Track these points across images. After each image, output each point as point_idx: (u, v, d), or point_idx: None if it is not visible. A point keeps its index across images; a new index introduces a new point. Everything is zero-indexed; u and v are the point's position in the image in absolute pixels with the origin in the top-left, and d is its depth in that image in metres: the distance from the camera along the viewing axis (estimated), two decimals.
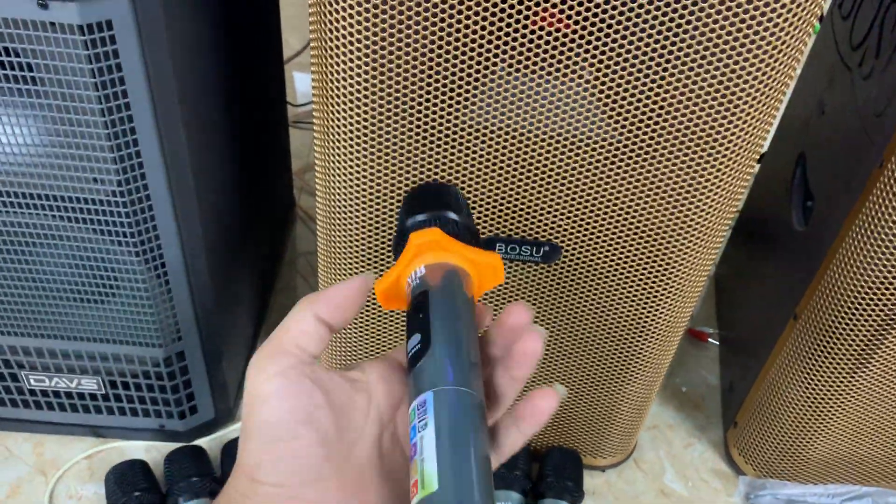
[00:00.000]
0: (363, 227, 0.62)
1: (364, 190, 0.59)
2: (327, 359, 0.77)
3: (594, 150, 0.56)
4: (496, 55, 0.51)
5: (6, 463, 0.80)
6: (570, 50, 0.51)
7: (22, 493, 0.77)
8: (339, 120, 0.55)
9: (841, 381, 0.72)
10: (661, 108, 0.53)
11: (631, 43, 0.50)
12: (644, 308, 0.67)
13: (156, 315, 0.69)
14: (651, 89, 0.52)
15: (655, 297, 0.66)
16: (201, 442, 0.83)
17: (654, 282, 0.65)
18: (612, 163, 0.57)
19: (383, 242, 0.63)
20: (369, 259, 0.64)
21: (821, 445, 0.79)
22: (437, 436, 0.33)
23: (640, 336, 0.69)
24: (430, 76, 0.52)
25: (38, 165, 0.59)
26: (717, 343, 1.02)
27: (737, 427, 0.87)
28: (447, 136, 0.56)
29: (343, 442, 0.36)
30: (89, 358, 0.74)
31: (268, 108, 0.93)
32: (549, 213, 0.61)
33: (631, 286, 0.65)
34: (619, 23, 0.49)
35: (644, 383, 0.75)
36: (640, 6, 0.48)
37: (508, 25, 0.50)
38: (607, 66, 0.51)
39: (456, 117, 0.55)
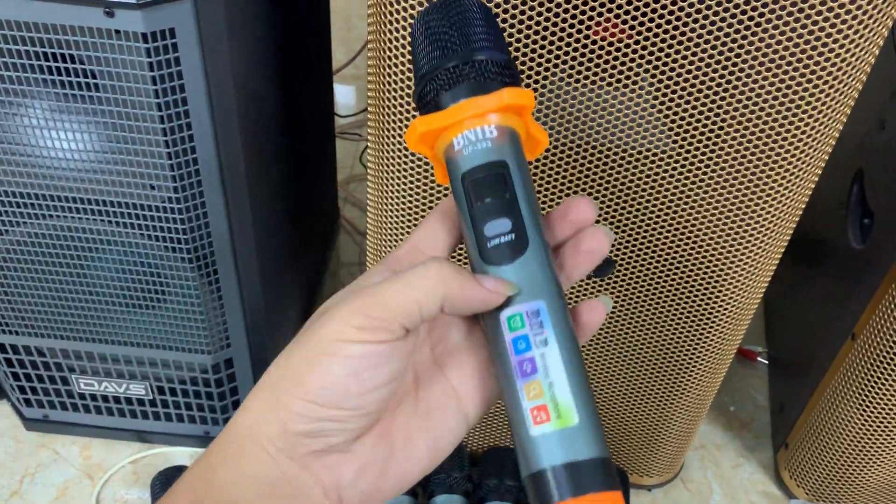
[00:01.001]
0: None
1: (417, 200, 0.59)
2: None
3: (652, 162, 0.55)
4: (554, 64, 0.51)
5: (54, 465, 0.80)
6: (630, 59, 0.50)
7: (69, 495, 0.78)
8: (394, 128, 0.55)
9: None
10: (723, 120, 0.52)
11: (693, 52, 0.49)
12: (697, 326, 0.66)
13: (206, 322, 0.70)
14: (713, 101, 0.51)
15: (710, 314, 0.65)
16: None
17: (709, 299, 0.63)
18: (671, 175, 0.56)
19: None
20: None
21: (878, 471, 0.76)
22: (567, 359, 0.30)
23: (691, 354, 0.68)
24: None
25: (96, 171, 0.60)
26: (766, 362, 0.99)
27: (788, 449, 0.84)
28: None
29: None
30: (138, 363, 0.74)
31: (317, 119, 0.93)
32: (603, 226, 0.60)
33: (685, 303, 0.64)
34: (680, 31, 0.49)
35: (694, 402, 0.74)
36: (703, 14, 0.48)
37: (567, 34, 0.49)
38: (668, 76, 0.51)
39: None
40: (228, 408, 0.79)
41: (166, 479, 0.74)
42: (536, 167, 0.56)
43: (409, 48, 0.50)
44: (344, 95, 1.44)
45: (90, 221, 0.63)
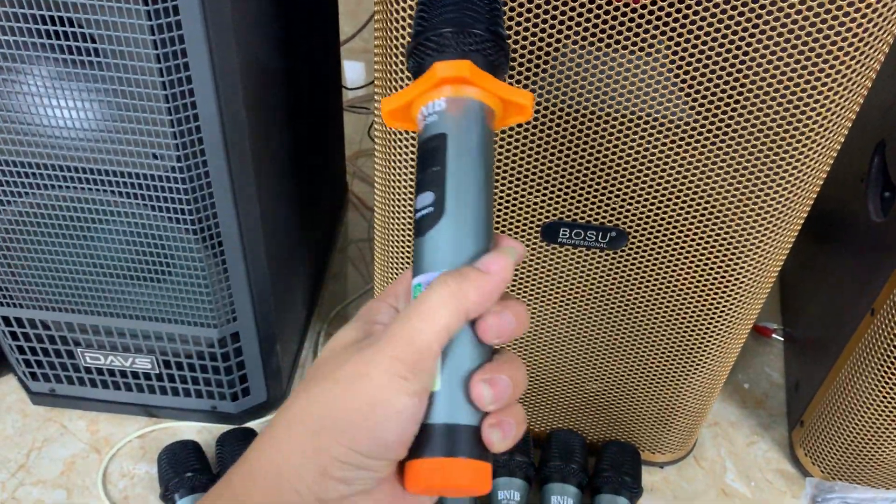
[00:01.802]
0: None
1: None
2: None
3: (668, 131, 0.54)
4: (568, 27, 0.49)
5: (61, 439, 0.80)
6: (648, 23, 0.48)
7: (76, 469, 0.77)
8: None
9: None
10: (743, 85, 0.50)
11: (713, 16, 0.47)
12: (713, 301, 0.64)
13: (211, 295, 0.69)
14: (732, 65, 0.49)
15: (725, 289, 0.63)
16: (253, 425, 0.82)
17: (725, 274, 0.62)
18: (688, 144, 0.54)
19: None
20: None
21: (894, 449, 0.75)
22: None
23: (706, 330, 0.67)
24: None
25: (98, 140, 0.59)
26: (782, 339, 0.98)
27: (803, 426, 0.83)
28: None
29: None
30: (144, 337, 0.73)
31: (324, 91, 0.92)
32: (617, 197, 0.58)
33: (700, 278, 0.62)
34: None
35: (708, 379, 0.72)
36: None
37: None
38: (686, 41, 0.49)
39: None
40: (235, 382, 0.78)
41: (172, 453, 0.74)
42: (550, 136, 0.55)
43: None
44: (354, 71, 1.42)
45: (93, 192, 0.62)
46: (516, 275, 0.65)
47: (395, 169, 0.59)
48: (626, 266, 0.63)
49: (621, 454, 0.77)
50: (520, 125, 0.55)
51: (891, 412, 0.72)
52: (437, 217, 0.31)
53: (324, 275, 1.00)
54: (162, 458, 0.74)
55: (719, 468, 0.83)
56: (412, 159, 0.57)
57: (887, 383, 0.70)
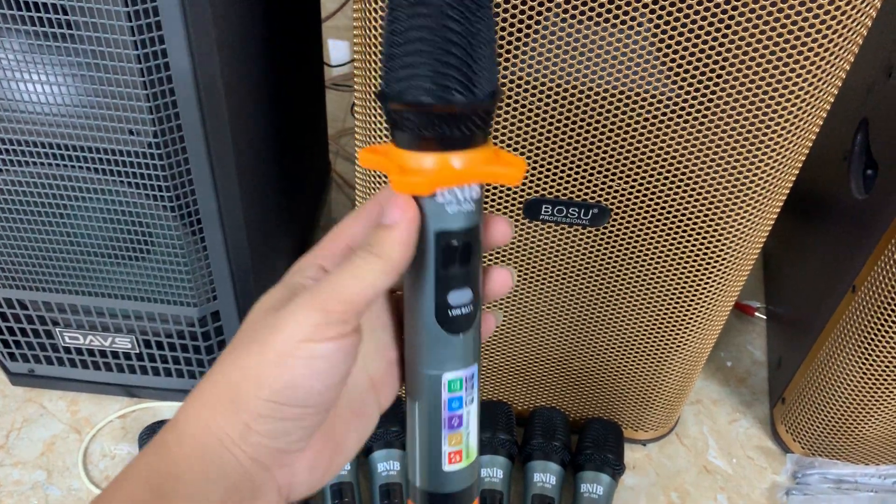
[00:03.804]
0: None
1: None
2: None
3: (650, 106, 0.53)
4: (550, 0, 0.48)
5: (41, 420, 0.79)
6: None
7: (56, 450, 0.77)
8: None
9: None
10: (726, 59, 0.50)
11: None
12: (695, 278, 0.64)
13: (191, 273, 0.68)
14: (715, 38, 0.49)
15: (707, 266, 0.63)
16: None
17: (706, 250, 0.62)
18: (670, 120, 0.54)
19: None
20: None
21: (876, 424, 0.75)
22: (478, 413, 0.35)
23: (688, 306, 0.67)
24: None
25: (73, 116, 0.58)
26: (765, 317, 0.98)
27: (785, 403, 0.83)
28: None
29: (338, 405, 0.34)
30: (123, 316, 0.73)
31: (305, 69, 0.91)
32: (599, 174, 0.58)
33: (682, 254, 0.62)
34: None
35: (690, 356, 0.72)
36: None
37: None
38: (668, 14, 0.48)
39: (504, 68, 0.52)
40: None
41: (153, 432, 0.73)
42: (532, 112, 0.54)
43: None
44: (338, 49, 1.41)
45: (70, 169, 0.61)
46: (500, 251, 0.65)
47: (377, 142, 0.58)
48: (608, 243, 0.63)
49: (604, 432, 0.77)
50: (501, 101, 0.54)
51: (870, 388, 0.72)
52: (474, 317, 0.33)
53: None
54: (143, 438, 0.74)
55: (701, 445, 0.84)
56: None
57: (867, 360, 0.71)
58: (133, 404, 0.81)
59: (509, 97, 0.54)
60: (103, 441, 0.78)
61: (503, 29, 0.50)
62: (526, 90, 0.53)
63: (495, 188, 0.60)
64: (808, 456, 0.82)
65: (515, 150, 0.57)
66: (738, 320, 0.98)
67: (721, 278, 0.64)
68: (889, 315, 0.67)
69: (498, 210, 0.62)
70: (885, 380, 0.71)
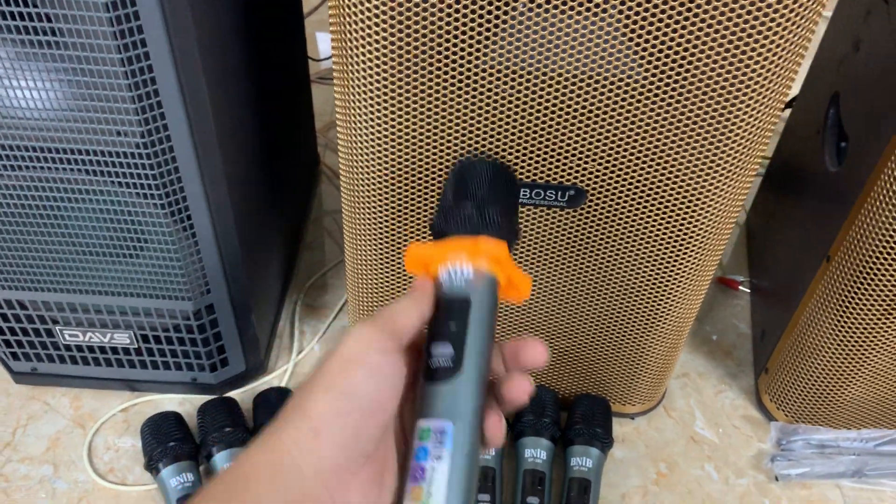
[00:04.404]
0: (386, 177, 0.61)
1: (386, 138, 0.59)
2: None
3: (619, 89, 0.55)
4: None
5: (45, 417, 0.82)
6: None
7: (61, 445, 0.79)
8: (357, 66, 0.55)
9: (876, 323, 0.71)
10: (690, 43, 0.52)
11: None
12: (671, 252, 0.66)
13: (183, 269, 0.70)
14: (678, 23, 0.51)
15: (683, 241, 0.65)
16: (233, 394, 0.84)
17: (681, 225, 0.64)
18: (639, 101, 0.56)
19: (408, 192, 0.63)
20: (394, 211, 0.64)
21: (855, 389, 0.78)
22: (450, 478, 0.34)
23: (667, 281, 0.69)
24: (449, 14, 0.51)
25: (63, 120, 0.59)
26: (749, 291, 1.00)
27: (768, 374, 0.86)
28: (468, 77, 0.55)
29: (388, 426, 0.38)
30: (121, 312, 0.75)
31: (289, 63, 0.92)
32: (573, 156, 0.60)
33: (658, 230, 0.64)
34: None
35: (673, 329, 0.75)
36: None
37: None
38: (636, 2, 0.50)
39: (477, 58, 0.54)
40: (213, 353, 0.79)
41: (155, 424, 0.76)
42: (504, 97, 0.56)
43: None
44: (325, 43, 1.42)
45: (62, 172, 0.63)
46: None
47: (357, 131, 0.60)
48: (586, 223, 0.65)
49: (592, 407, 0.80)
50: (472, 87, 0.56)
51: (847, 354, 0.75)
52: (453, 372, 0.36)
53: (299, 245, 1.02)
54: (145, 430, 0.76)
55: (688, 417, 0.86)
56: (373, 120, 0.58)
57: (843, 327, 0.73)
58: (135, 398, 0.83)
59: (484, 86, 0.56)
60: (107, 434, 0.80)
61: (474, 20, 0.52)
62: (499, 78, 0.55)
63: None
64: (791, 423, 0.84)
65: (490, 135, 0.59)
66: (723, 295, 1.00)
67: (698, 251, 0.66)
68: (862, 283, 0.69)
69: None
70: (861, 345, 0.73)
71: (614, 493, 0.78)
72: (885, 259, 0.66)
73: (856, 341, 0.73)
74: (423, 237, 0.67)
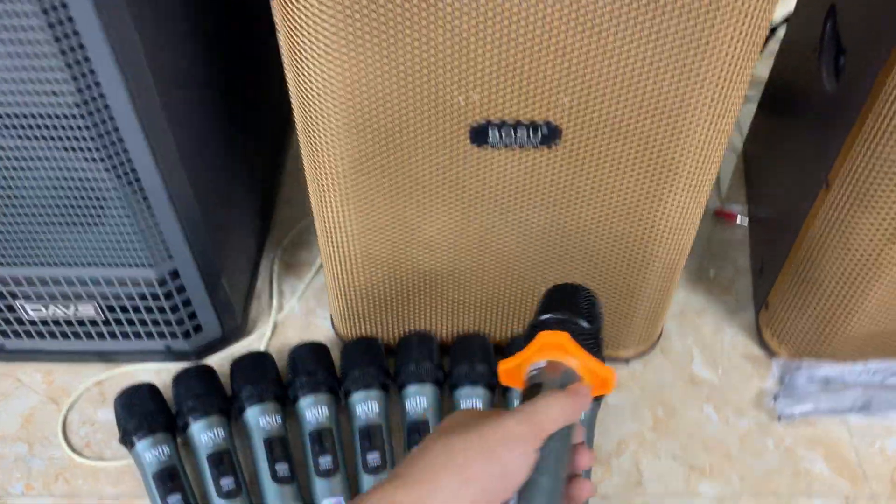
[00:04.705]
0: (342, 129, 0.57)
1: (339, 83, 0.54)
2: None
3: (592, 13, 0.50)
4: None
5: (17, 393, 0.79)
6: None
7: (35, 421, 0.77)
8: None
9: (880, 251, 0.67)
10: None
11: None
12: (657, 186, 0.61)
13: (140, 234, 0.66)
14: None
15: (668, 172, 0.60)
16: (212, 360, 0.81)
17: (665, 156, 0.59)
18: (609, 24, 0.50)
19: (368, 143, 0.58)
20: (355, 165, 0.59)
21: (859, 322, 0.74)
22: None
23: (656, 217, 0.64)
24: None
25: None
26: (747, 224, 0.96)
27: (768, 308, 0.82)
28: (431, 6, 0.50)
29: None
30: (81, 283, 0.71)
31: (252, 10, 0.86)
32: (544, 89, 0.55)
33: (641, 163, 0.60)
34: None
35: (665, 267, 0.70)
36: None
37: None
38: None
39: None
40: (184, 320, 0.76)
41: (127, 398, 0.73)
42: (470, 33, 0.51)
43: None
44: None
45: (4, 138, 0.59)
46: (451, 186, 0.63)
47: (305, 67, 0.55)
48: (563, 163, 0.60)
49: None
50: (435, 17, 0.51)
51: (852, 284, 0.70)
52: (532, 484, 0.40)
53: (274, 200, 0.97)
54: (117, 403, 0.73)
55: (686, 358, 0.83)
56: (324, 59, 0.53)
57: (846, 255, 0.69)
58: (109, 370, 0.81)
59: (447, 16, 0.50)
60: (82, 409, 0.78)
61: None
62: (461, 8, 0.50)
63: (436, 112, 0.57)
64: (793, 359, 0.80)
65: (454, 73, 0.54)
66: (721, 229, 0.95)
67: (686, 182, 0.62)
68: (864, 209, 0.65)
69: (443, 140, 0.59)
70: (866, 275, 0.69)
71: (609, 441, 0.75)
72: (887, 183, 0.62)
73: (859, 270, 0.69)
74: (388, 192, 0.63)
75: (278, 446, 0.71)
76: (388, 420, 0.74)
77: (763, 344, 0.83)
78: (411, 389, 0.74)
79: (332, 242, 0.69)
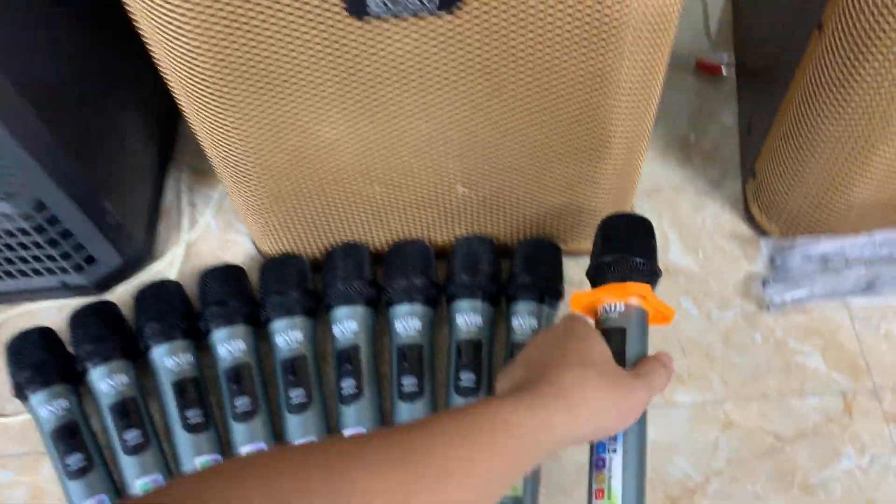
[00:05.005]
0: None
1: None
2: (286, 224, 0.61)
3: None
4: None
5: None
6: None
7: None
8: None
9: (887, 104, 0.53)
10: None
11: None
12: (598, 38, 0.48)
13: None
14: None
15: (613, 21, 0.47)
16: (121, 291, 0.71)
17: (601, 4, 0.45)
18: None
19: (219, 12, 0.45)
20: (208, 38, 0.46)
21: (862, 189, 0.61)
22: (624, 466, 0.44)
23: (600, 80, 0.51)
24: None
25: None
26: (734, 77, 0.81)
27: (756, 177, 0.69)
28: None
29: None
30: None
31: None
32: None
33: (573, 12, 0.46)
34: None
35: (625, 138, 0.58)
36: None
37: None
38: None
39: None
40: (70, 252, 0.65)
41: (16, 346, 0.64)
42: None
43: None
44: None
45: None
46: (337, 73, 0.50)
47: None
48: (471, 30, 0.47)
49: (536, 253, 0.65)
50: None
51: (853, 145, 0.58)
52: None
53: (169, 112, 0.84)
54: (8, 354, 0.64)
55: (661, 244, 0.71)
56: None
57: (844, 110, 0.56)
58: (4, 311, 0.71)
59: None
60: None
61: None
62: None
63: None
64: (785, 237, 0.69)
65: None
66: (702, 84, 0.81)
67: (636, 34, 0.48)
68: (862, 53, 0.51)
69: (313, 13, 0.46)
70: (868, 133, 0.56)
71: None
72: (890, 21, 0.48)
73: (861, 129, 0.56)
74: (265, 91, 0.50)
75: (190, 390, 0.63)
76: (315, 349, 0.65)
77: (751, 220, 0.71)
78: (339, 312, 0.64)
79: (223, 158, 0.57)
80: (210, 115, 0.53)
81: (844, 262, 0.67)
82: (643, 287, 0.49)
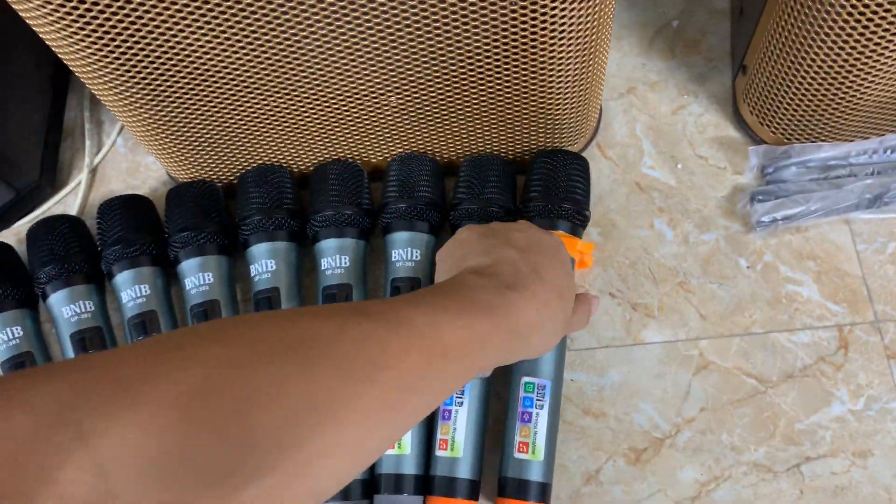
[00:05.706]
0: None
1: None
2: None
3: None
4: None
5: None
6: None
7: None
8: None
9: None
10: None
11: None
12: None
13: None
14: None
15: None
16: (9, 234, 0.63)
17: None
18: None
19: None
20: None
21: (873, 85, 0.50)
22: (550, 423, 0.48)
23: None
24: None
25: None
26: None
27: (747, 72, 0.58)
28: None
29: None
30: None
31: None
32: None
33: None
34: None
35: (584, 32, 0.47)
36: None
37: None
38: None
39: None
40: None
41: None
42: None
43: None
44: None
45: None
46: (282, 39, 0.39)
47: None
48: None
49: (484, 170, 0.56)
50: None
51: (860, 38, 0.47)
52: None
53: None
54: None
55: (633, 153, 0.61)
56: None
57: None
58: None
59: None
60: None
61: None
62: None
63: None
64: (779, 143, 0.58)
65: None
66: None
67: None
68: None
69: None
70: (880, 21, 0.45)
71: None
72: None
73: (874, 16, 0.45)
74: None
75: (93, 342, 0.55)
76: (230, 292, 0.57)
77: (739, 123, 0.61)
78: (257, 250, 0.56)
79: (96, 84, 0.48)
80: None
81: (849, 169, 0.57)
82: (573, 241, 0.52)
